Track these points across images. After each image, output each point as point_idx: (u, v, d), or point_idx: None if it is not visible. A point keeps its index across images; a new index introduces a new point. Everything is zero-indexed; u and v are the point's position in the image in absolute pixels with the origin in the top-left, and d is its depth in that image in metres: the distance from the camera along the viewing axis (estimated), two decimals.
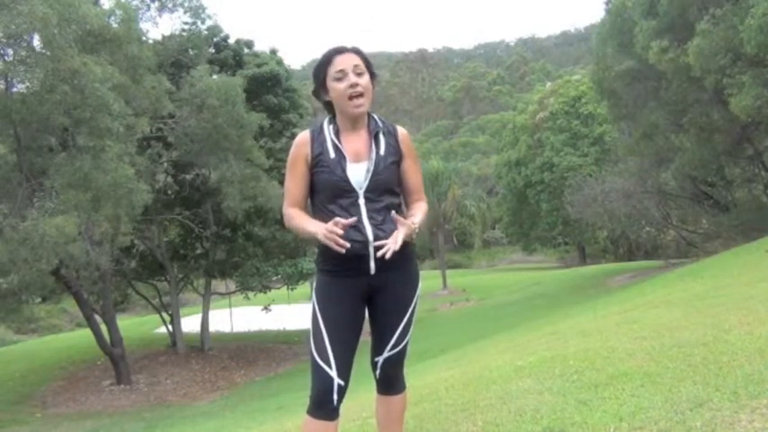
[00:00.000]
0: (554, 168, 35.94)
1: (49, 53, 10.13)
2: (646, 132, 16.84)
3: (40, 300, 19.74)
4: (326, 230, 1.89)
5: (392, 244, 1.92)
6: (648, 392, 2.59)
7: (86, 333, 15.89)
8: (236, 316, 22.24)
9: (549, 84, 46.77)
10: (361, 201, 1.99)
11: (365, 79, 2.02)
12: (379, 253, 1.93)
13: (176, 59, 15.53)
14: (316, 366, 2.00)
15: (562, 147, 36.12)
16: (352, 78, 2.00)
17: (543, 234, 40.09)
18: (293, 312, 22.17)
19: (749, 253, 10.22)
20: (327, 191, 2.02)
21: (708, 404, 2.31)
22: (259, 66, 17.66)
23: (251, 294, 19.23)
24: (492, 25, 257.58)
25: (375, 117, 2.12)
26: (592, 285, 18.34)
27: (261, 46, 41.23)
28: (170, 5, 14.79)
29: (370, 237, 1.97)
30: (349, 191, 1.99)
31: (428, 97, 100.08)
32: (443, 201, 26.20)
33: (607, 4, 17.70)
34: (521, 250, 45.67)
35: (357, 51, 2.06)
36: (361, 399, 3.82)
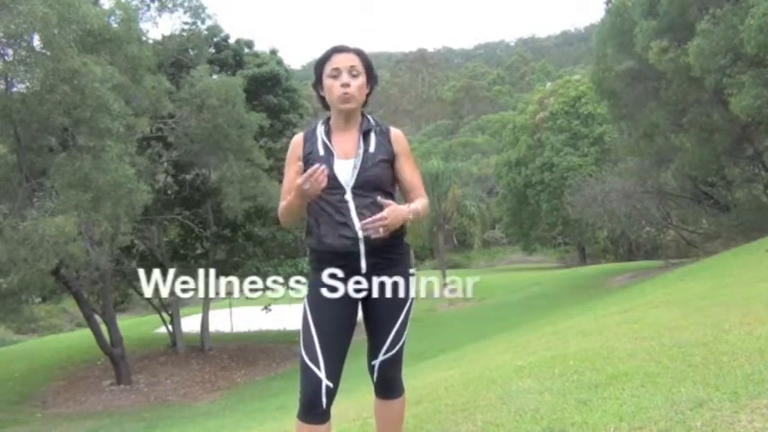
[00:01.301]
0: (554, 168, 35.92)
1: (49, 53, 10.12)
2: (646, 132, 16.83)
3: (40, 300, 19.71)
4: (301, 180, 1.91)
5: (378, 221, 1.92)
6: (648, 392, 2.59)
7: (86, 333, 15.89)
8: (236, 316, 22.23)
9: (549, 84, 46.75)
10: (349, 196, 2.00)
11: (358, 81, 2.04)
12: (364, 229, 1.94)
13: (176, 59, 15.53)
14: (304, 367, 1.98)
15: (562, 147, 36.11)
16: (345, 78, 2.02)
17: (543, 234, 40.09)
18: (293, 312, 22.14)
19: (749, 253, 10.23)
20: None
21: (708, 404, 2.31)
22: (259, 66, 17.66)
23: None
24: (492, 25, 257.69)
25: (369, 117, 2.14)
26: (592, 285, 18.33)
27: (261, 46, 41.23)
28: (170, 5, 14.79)
29: (360, 234, 1.97)
30: (336, 187, 2.00)
31: (428, 97, 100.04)
32: (443, 201, 26.19)
33: (607, 4, 17.69)
34: (521, 250, 45.64)
35: (358, 53, 2.08)
36: (361, 399, 3.81)
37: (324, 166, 1.92)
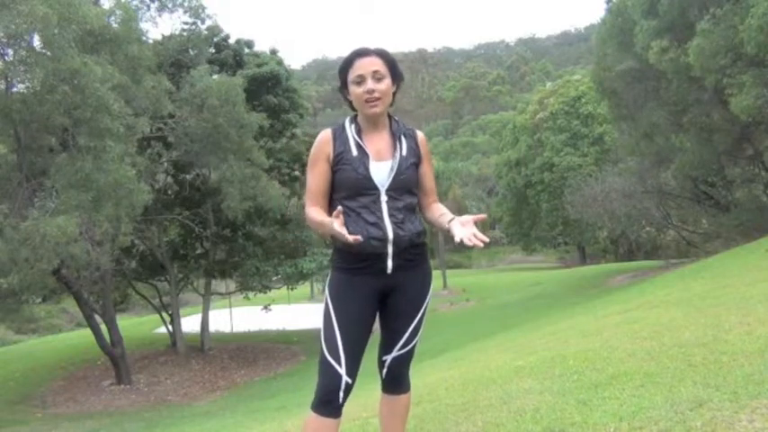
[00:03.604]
0: (554, 168, 35.96)
1: (49, 53, 10.12)
2: (646, 132, 16.83)
3: (40, 300, 19.72)
4: (338, 228, 1.88)
5: (473, 236, 1.90)
6: (648, 392, 2.59)
7: (86, 333, 15.88)
8: (236, 316, 22.25)
9: (549, 84, 46.79)
10: (383, 198, 2.01)
11: (383, 85, 2.03)
12: (470, 241, 1.89)
13: (176, 59, 15.53)
14: (325, 363, 2.01)
15: (562, 147, 36.14)
16: (370, 84, 2.01)
17: (543, 234, 40.12)
18: (293, 312, 22.17)
19: (749, 253, 10.22)
20: (349, 188, 2.03)
21: (708, 404, 2.31)
22: (259, 66, 17.65)
23: (251, 294, 19.24)
24: (492, 25, 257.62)
25: (396, 119, 2.15)
26: (592, 285, 18.33)
27: (261, 46, 41.28)
28: (170, 5, 14.78)
29: (390, 235, 1.99)
30: (371, 188, 2.01)
31: (428, 97, 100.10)
32: (443, 201, 26.17)
33: (607, 3, 17.70)
34: (521, 250, 45.67)
35: (381, 54, 2.06)
36: (362, 399, 3.82)
37: (360, 238, 1.89)
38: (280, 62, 18.69)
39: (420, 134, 2.18)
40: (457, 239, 1.91)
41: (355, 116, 2.13)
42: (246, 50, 18.46)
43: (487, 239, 1.89)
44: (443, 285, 25.78)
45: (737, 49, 11.95)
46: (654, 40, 13.88)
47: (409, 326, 2.12)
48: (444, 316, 19.37)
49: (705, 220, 20.11)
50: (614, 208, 18.80)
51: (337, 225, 1.88)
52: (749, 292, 5.20)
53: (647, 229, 21.93)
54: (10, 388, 14.63)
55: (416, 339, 2.15)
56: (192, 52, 16.05)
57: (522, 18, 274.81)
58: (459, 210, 28.53)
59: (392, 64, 2.07)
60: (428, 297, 2.16)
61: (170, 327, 17.56)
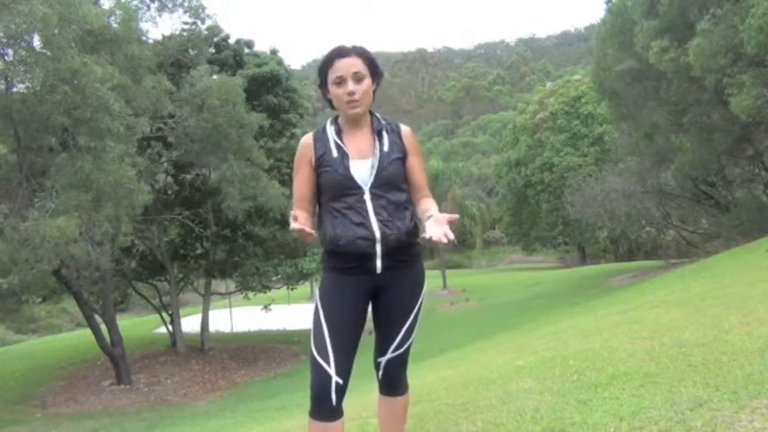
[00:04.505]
0: (554, 168, 35.98)
1: (49, 53, 10.11)
2: (646, 132, 16.83)
3: (40, 300, 19.72)
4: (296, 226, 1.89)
5: (443, 235, 1.83)
6: (648, 392, 2.59)
7: (86, 333, 15.88)
8: (236, 316, 22.26)
9: (549, 84, 46.79)
10: (367, 197, 1.99)
11: (364, 85, 2.02)
12: (436, 237, 1.84)
13: (176, 59, 15.53)
14: (314, 364, 1.98)
15: (562, 147, 36.16)
16: (350, 86, 2.00)
17: (543, 234, 40.14)
18: (293, 312, 22.17)
19: (749, 253, 10.21)
20: (333, 190, 2.02)
21: (708, 404, 2.31)
22: (259, 66, 17.66)
23: (251, 294, 19.25)
24: (492, 25, 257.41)
25: (378, 116, 2.13)
26: (592, 285, 18.33)
27: (261, 46, 41.29)
28: (170, 5, 14.77)
29: (377, 234, 1.97)
30: (354, 188, 1.99)
31: (428, 97, 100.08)
32: (443, 201, 26.25)
33: (607, 3, 17.69)
34: (521, 250, 45.72)
35: (360, 53, 2.04)
36: (361, 399, 3.82)
37: (311, 230, 1.90)
38: (280, 62, 18.70)
39: (404, 128, 2.14)
40: (426, 236, 1.88)
41: (336, 117, 2.11)
42: (246, 50, 18.47)
43: (452, 238, 1.83)
44: (443, 285, 25.77)
45: (737, 49, 11.95)
46: (654, 40, 13.87)
47: (401, 328, 2.10)
48: (444, 316, 19.37)
49: (705, 220, 20.12)
50: (614, 208, 18.80)
51: (295, 225, 1.88)
52: (749, 292, 5.19)
53: (647, 229, 21.94)
54: (10, 388, 14.63)
55: (410, 341, 2.12)
56: (192, 52, 16.06)
57: (522, 18, 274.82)
58: (459, 210, 28.51)
59: (371, 62, 2.05)
60: (420, 299, 2.12)
61: (170, 327, 17.56)
